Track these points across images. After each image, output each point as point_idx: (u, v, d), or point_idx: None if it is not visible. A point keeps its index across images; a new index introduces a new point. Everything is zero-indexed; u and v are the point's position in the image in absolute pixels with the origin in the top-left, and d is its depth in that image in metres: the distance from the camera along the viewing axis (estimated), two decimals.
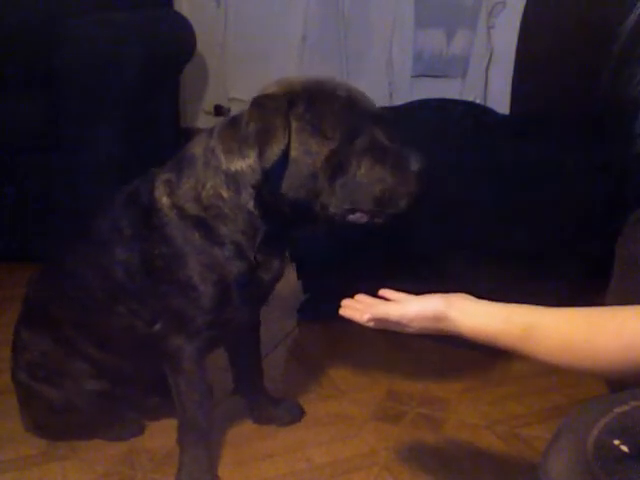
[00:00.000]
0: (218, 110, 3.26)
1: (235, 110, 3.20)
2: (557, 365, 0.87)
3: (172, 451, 1.37)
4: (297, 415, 1.50)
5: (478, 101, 2.42)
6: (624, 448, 0.74)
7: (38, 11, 2.37)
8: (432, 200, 1.67)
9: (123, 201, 1.26)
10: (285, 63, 3.04)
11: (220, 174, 1.17)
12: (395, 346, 1.78)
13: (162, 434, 1.44)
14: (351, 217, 1.17)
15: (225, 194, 1.17)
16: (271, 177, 1.13)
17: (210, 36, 3.03)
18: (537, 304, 0.91)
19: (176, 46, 2.53)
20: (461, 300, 0.95)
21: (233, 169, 1.16)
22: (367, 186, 1.13)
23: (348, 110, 1.12)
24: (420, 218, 1.68)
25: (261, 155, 1.09)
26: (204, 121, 3.31)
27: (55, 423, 1.40)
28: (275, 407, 1.49)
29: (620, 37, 1.64)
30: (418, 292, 1.04)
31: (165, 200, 1.19)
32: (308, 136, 1.11)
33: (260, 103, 1.13)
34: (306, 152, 1.11)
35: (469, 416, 1.52)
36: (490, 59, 2.51)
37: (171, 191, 1.19)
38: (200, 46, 2.77)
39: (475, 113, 2.06)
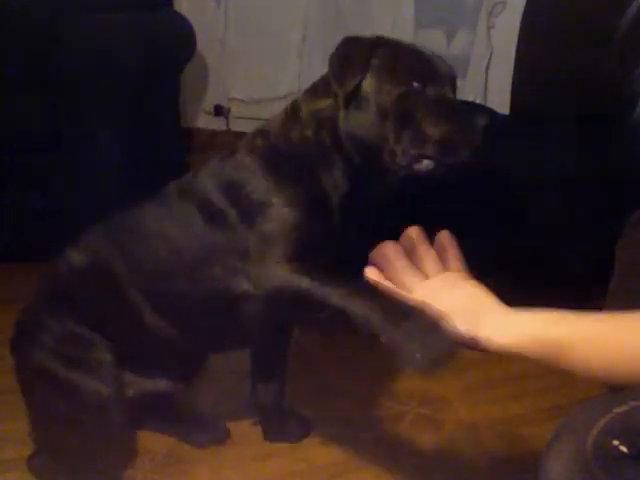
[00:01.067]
0: (218, 110, 3.26)
1: (235, 110, 3.23)
2: (598, 379, 0.83)
3: (172, 451, 1.37)
4: (308, 430, 1.47)
5: (478, 101, 2.42)
6: (623, 448, 0.74)
7: (38, 11, 2.37)
8: (431, 199, 1.68)
9: (212, 165, 1.29)
10: (285, 63, 3.04)
11: (305, 116, 1.22)
12: None
13: (162, 434, 1.44)
14: (416, 166, 1.16)
15: (309, 134, 1.21)
16: (345, 113, 1.17)
17: (210, 36, 3.03)
18: (535, 305, 0.90)
19: (176, 46, 2.53)
20: (492, 316, 0.87)
21: (315, 108, 1.21)
22: (432, 131, 1.14)
23: (426, 63, 1.17)
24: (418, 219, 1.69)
25: (338, 81, 1.15)
26: (204, 121, 3.32)
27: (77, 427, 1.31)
28: (286, 423, 1.45)
29: (619, 33, 1.64)
30: None
31: (259, 142, 1.26)
32: (384, 75, 1.15)
33: (346, 41, 1.19)
34: (379, 90, 1.14)
35: (469, 416, 1.52)
36: (490, 59, 2.51)
37: (264, 134, 1.27)
38: (200, 46, 2.77)
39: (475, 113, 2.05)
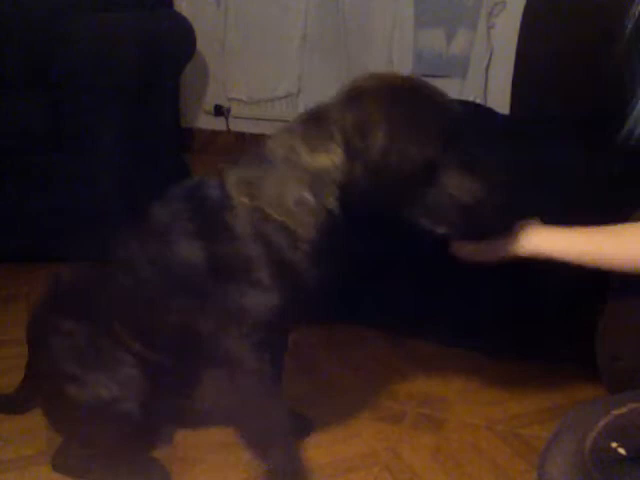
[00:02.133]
0: (218, 110, 3.26)
1: (235, 110, 3.23)
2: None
3: (172, 451, 1.37)
4: (308, 430, 1.46)
5: (478, 101, 2.42)
6: (621, 451, 0.74)
7: (38, 11, 2.38)
8: None
9: (184, 194, 1.20)
10: (285, 63, 3.05)
11: (303, 174, 1.10)
12: (395, 346, 1.78)
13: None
14: (438, 229, 1.12)
15: (308, 195, 1.11)
16: (360, 175, 1.07)
17: (210, 36, 3.04)
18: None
19: (176, 46, 2.53)
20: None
21: (317, 166, 1.09)
22: (458, 198, 1.08)
23: (445, 117, 1.08)
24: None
25: (363, 153, 1.04)
26: (204, 121, 3.32)
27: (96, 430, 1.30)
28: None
29: (621, 35, 1.64)
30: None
31: (244, 200, 1.13)
32: (406, 139, 1.04)
33: (358, 95, 1.07)
34: (402, 156, 1.04)
35: (469, 416, 1.52)
36: (490, 59, 2.51)
37: (251, 192, 1.13)
38: (200, 46, 2.78)
39: (475, 113, 2.05)
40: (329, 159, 1.08)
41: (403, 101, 1.06)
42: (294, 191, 1.11)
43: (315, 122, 1.11)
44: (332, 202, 1.10)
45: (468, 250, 1.20)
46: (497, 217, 1.12)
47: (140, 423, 1.27)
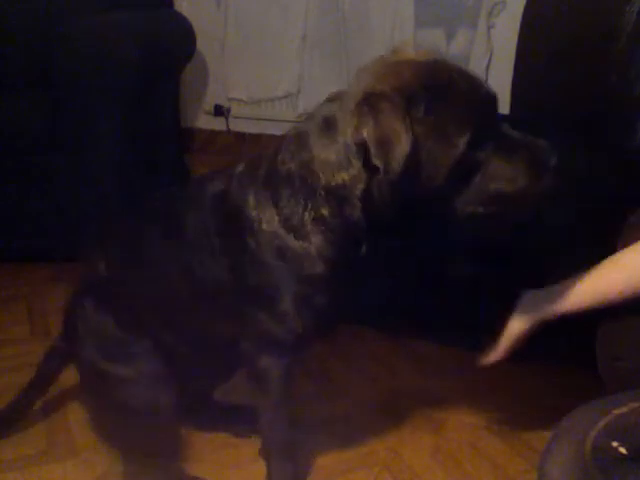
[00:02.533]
0: (218, 110, 3.26)
1: (235, 110, 3.23)
2: None
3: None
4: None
5: None
6: (622, 450, 0.74)
7: (38, 11, 2.38)
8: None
9: (210, 204, 1.16)
10: (285, 63, 3.04)
11: (320, 191, 1.04)
12: (395, 346, 1.78)
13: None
14: (476, 221, 1.05)
15: (326, 213, 1.05)
16: (384, 187, 0.98)
17: (210, 36, 3.03)
18: None
19: (176, 46, 2.53)
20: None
21: (334, 183, 1.02)
22: (498, 188, 1.00)
23: (473, 107, 0.98)
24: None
25: (385, 168, 0.95)
26: (204, 121, 3.32)
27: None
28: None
29: (621, 35, 1.64)
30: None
31: (266, 227, 1.09)
32: (432, 143, 0.96)
33: (372, 104, 0.96)
34: (429, 161, 0.96)
35: (469, 416, 1.52)
36: (490, 59, 2.51)
37: (271, 217, 1.08)
38: (200, 46, 2.78)
39: None
40: (348, 175, 1.01)
41: (423, 102, 0.96)
42: (311, 211, 1.06)
43: (328, 134, 1.03)
44: (356, 216, 1.04)
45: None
46: (545, 201, 1.03)
47: (170, 419, 1.28)
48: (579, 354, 1.65)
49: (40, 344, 1.78)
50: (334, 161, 1.02)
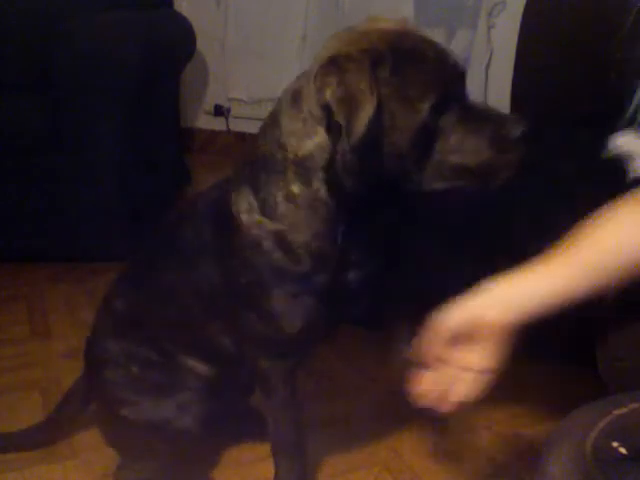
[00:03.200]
0: (218, 110, 3.26)
1: (235, 110, 3.23)
2: None
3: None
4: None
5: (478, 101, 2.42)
6: (623, 450, 0.74)
7: (38, 11, 2.38)
8: (433, 200, 1.68)
9: (204, 211, 1.15)
10: (285, 63, 3.04)
11: (289, 166, 1.01)
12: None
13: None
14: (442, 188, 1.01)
15: (296, 189, 1.01)
16: (347, 154, 0.96)
17: (210, 36, 3.03)
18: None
19: (176, 46, 2.53)
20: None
21: (300, 154, 0.99)
22: (461, 160, 0.97)
23: (439, 74, 0.95)
24: (421, 220, 1.69)
25: (347, 129, 0.91)
26: (204, 121, 3.32)
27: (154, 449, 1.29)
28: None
29: (620, 34, 1.65)
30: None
31: (245, 218, 1.06)
32: (395, 106, 0.93)
33: (337, 65, 0.93)
34: (392, 126, 0.93)
35: (469, 416, 1.52)
36: (490, 59, 2.51)
37: (250, 206, 1.06)
38: (200, 46, 2.78)
39: None
40: (312, 143, 0.98)
41: (386, 64, 0.93)
42: (283, 189, 1.02)
43: (295, 105, 1.00)
44: (321, 190, 1.00)
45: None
46: (508, 174, 1.00)
47: (198, 439, 1.26)
48: (579, 354, 1.65)
49: (40, 344, 1.79)
50: (300, 130, 0.98)
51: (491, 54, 2.47)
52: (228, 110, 3.24)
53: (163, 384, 1.25)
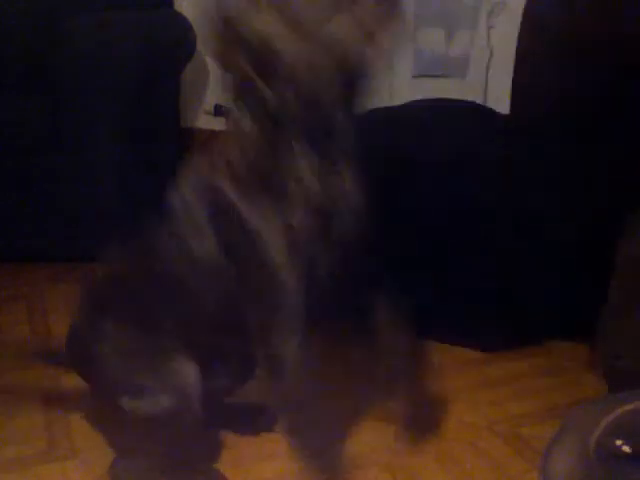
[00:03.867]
0: (218, 110, 3.26)
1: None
2: None
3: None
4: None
5: (478, 101, 2.42)
6: (626, 449, 0.74)
7: (38, 11, 2.38)
8: (433, 200, 1.68)
9: (192, 185, 1.18)
10: None
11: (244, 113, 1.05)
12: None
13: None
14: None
15: (248, 128, 1.05)
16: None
17: None
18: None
19: (176, 46, 2.53)
20: None
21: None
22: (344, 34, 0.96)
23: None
24: (421, 219, 1.69)
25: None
26: (204, 121, 3.31)
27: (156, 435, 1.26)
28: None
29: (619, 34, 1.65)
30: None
31: (225, 171, 1.10)
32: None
33: None
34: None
35: (469, 416, 1.52)
36: (490, 59, 2.51)
37: (227, 161, 1.10)
38: (200, 46, 2.77)
39: (475, 113, 2.06)
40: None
41: None
42: (242, 132, 1.06)
43: None
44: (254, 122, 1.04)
45: None
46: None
47: (198, 427, 1.24)
48: (581, 353, 1.65)
49: (40, 344, 1.79)
50: None
51: (491, 54, 2.47)
52: (228, 110, 3.24)
53: (159, 367, 1.22)
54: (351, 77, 1.00)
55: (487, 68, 2.47)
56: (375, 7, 0.96)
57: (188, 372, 1.21)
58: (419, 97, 2.19)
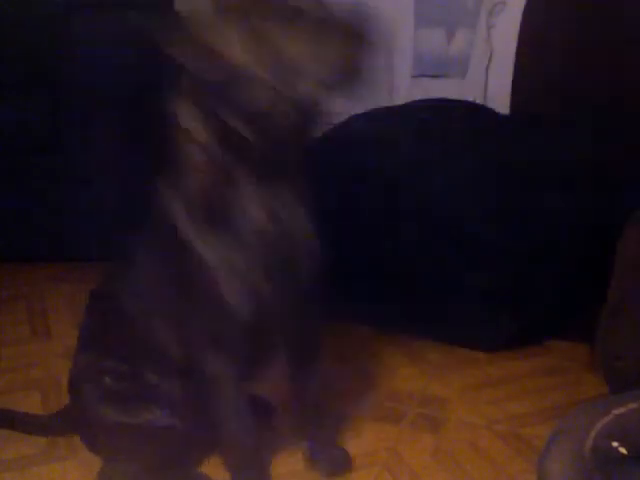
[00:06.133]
0: None
1: None
2: None
3: None
4: (340, 467, 1.35)
5: (478, 101, 2.42)
6: (623, 450, 0.74)
7: (38, 11, 2.37)
8: (434, 199, 1.68)
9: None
10: None
11: None
12: (395, 346, 1.78)
13: None
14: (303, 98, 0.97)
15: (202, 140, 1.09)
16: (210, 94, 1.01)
17: None
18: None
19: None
20: None
21: None
22: (314, 60, 0.95)
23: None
24: (421, 220, 1.69)
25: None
26: None
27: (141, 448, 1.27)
28: (320, 452, 1.36)
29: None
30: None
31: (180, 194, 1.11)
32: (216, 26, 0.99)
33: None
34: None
35: (469, 416, 1.52)
36: (490, 59, 2.51)
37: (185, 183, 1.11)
38: None
39: (475, 113, 2.06)
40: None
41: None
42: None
43: None
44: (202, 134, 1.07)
45: None
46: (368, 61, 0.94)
47: (182, 436, 1.24)
48: (581, 353, 1.65)
49: (40, 344, 1.79)
50: None
51: (491, 54, 2.47)
52: None
53: (134, 396, 1.23)
54: (312, 112, 1.00)
55: (487, 68, 2.48)
56: (345, 49, 0.94)
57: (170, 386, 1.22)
58: (419, 97, 2.19)
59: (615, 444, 0.74)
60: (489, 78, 2.50)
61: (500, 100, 2.22)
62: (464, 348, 1.75)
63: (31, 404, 1.54)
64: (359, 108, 1.93)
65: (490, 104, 2.32)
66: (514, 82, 2.12)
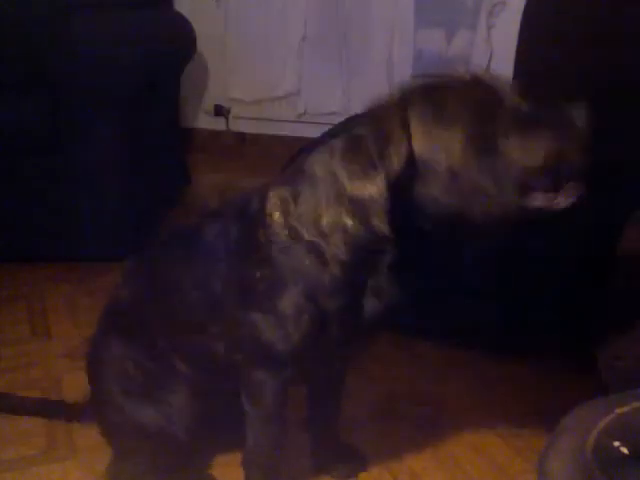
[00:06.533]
0: (218, 110, 3.26)
1: (235, 110, 3.23)
2: None
3: None
4: (356, 469, 1.37)
5: None
6: (624, 450, 0.74)
7: (38, 11, 2.37)
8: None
9: (234, 212, 1.16)
10: (285, 63, 3.05)
11: (344, 201, 1.02)
12: (395, 346, 1.77)
13: None
14: (526, 203, 0.99)
15: (349, 222, 1.03)
16: (403, 193, 0.98)
17: (210, 36, 3.03)
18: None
19: (176, 46, 2.53)
20: None
21: (360, 195, 1.00)
22: (528, 158, 0.95)
23: (473, 87, 0.97)
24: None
25: (385, 162, 0.96)
26: (204, 121, 3.32)
27: (144, 449, 1.29)
28: (336, 458, 1.37)
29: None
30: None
31: (277, 217, 1.08)
32: (432, 128, 0.96)
33: (372, 112, 1.02)
34: (436, 148, 0.96)
35: (469, 416, 1.52)
36: (490, 59, 2.51)
37: (285, 209, 1.07)
38: (200, 46, 2.78)
39: None
40: (373, 186, 0.98)
41: (416, 98, 0.98)
42: (332, 214, 1.04)
43: (354, 146, 1.02)
44: (383, 228, 1.00)
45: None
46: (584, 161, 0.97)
47: (187, 443, 1.26)
48: (580, 353, 1.65)
49: (40, 344, 1.79)
50: (360, 173, 1.00)
51: (491, 54, 2.47)
52: (228, 110, 3.25)
53: (151, 386, 1.24)
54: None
55: (487, 68, 2.48)
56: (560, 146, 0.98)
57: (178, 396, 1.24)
58: None
59: (616, 444, 0.74)
60: None
61: None
62: (464, 348, 1.75)
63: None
64: (359, 108, 1.93)
65: None
66: (514, 82, 2.12)
